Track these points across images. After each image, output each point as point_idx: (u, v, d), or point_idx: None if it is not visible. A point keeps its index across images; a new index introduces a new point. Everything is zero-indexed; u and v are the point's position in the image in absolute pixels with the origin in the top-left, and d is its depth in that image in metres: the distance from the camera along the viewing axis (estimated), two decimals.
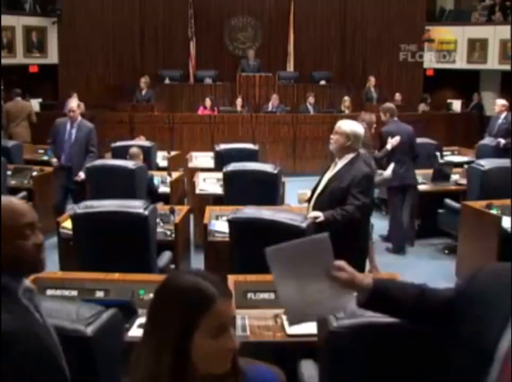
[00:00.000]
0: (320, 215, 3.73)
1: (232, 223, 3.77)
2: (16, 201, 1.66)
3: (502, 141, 7.43)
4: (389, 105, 6.61)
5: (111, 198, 4.10)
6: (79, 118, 6.45)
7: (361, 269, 3.99)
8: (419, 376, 2.27)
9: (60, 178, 6.54)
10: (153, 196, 5.66)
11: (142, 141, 7.55)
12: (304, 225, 3.57)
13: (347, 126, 3.86)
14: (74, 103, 6.70)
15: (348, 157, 3.85)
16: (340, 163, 3.87)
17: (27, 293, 1.65)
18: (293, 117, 10.44)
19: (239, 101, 10.96)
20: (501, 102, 8.05)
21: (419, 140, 7.46)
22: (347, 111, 10.61)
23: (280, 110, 10.92)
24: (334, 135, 3.87)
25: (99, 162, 5.95)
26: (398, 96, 11.34)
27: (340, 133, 3.84)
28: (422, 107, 11.50)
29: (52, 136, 6.62)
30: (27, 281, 1.66)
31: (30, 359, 1.52)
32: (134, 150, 6.00)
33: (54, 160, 6.63)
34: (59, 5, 11.90)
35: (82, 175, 6.13)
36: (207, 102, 10.90)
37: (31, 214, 1.66)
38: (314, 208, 3.89)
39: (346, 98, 10.89)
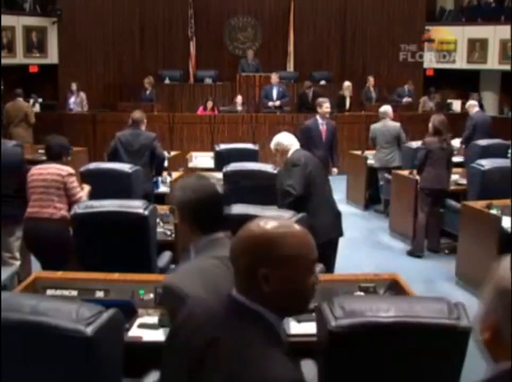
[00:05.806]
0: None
1: None
2: (307, 232, 1.43)
3: None
4: None
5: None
6: None
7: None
8: (418, 376, 2.27)
9: None
10: (154, 158, 5.74)
11: None
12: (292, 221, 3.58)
13: (271, 145, 4.45)
14: None
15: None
16: None
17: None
18: (293, 117, 10.43)
19: (239, 99, 10.80)
20: None
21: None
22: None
23: (281, 100, 10.68)
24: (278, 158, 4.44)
25: (94, 164, 5.78)
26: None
27: (275, 152, 4.40)
28: (424, 100, 11.40)
29: None
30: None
31: None
32: (136, 115, 5.83)
33: None
34: (59, 5, 11.88)
35: None
36: (209, 103, 10.74)
37: (316, 250, 1.44)
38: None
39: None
